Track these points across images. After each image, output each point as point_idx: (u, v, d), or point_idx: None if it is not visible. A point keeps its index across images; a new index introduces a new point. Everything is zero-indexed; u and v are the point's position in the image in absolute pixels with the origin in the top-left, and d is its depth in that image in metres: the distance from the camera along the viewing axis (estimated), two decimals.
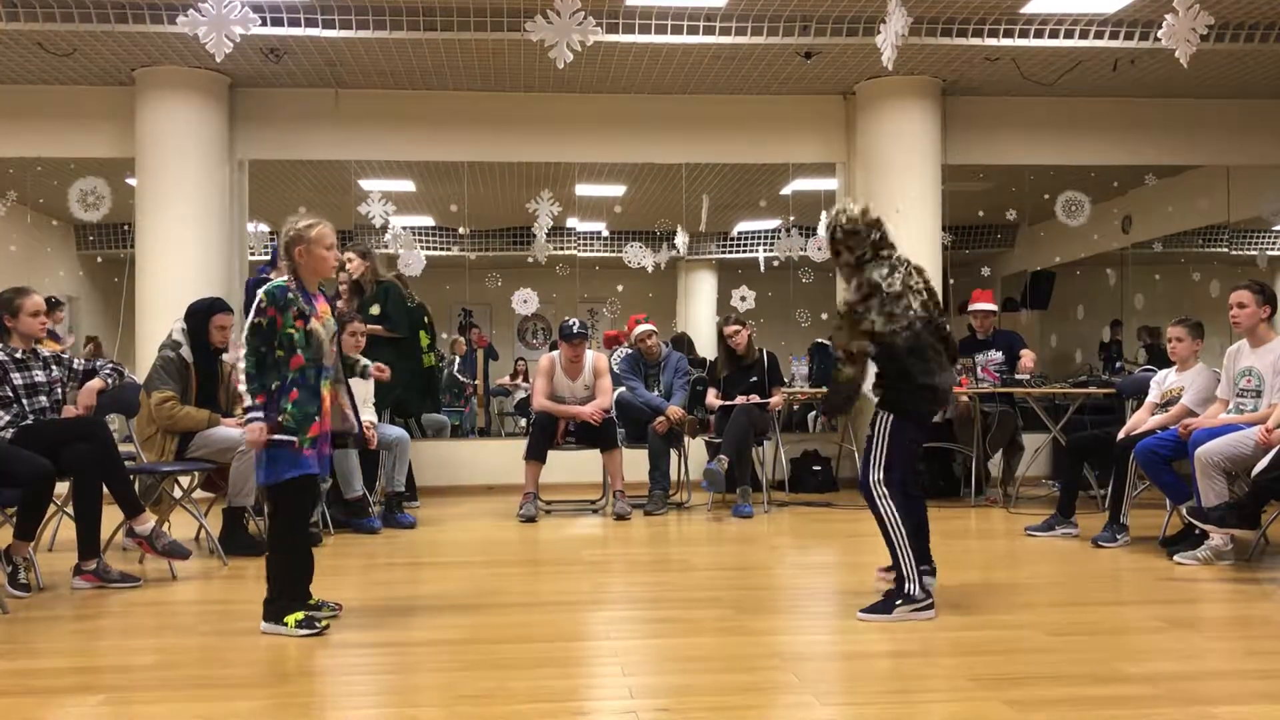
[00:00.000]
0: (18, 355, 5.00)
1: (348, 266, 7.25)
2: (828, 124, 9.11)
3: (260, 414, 3.87)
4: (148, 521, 4.90)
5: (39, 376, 5.04)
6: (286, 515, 4.01)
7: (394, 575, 5.26)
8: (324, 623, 3.90)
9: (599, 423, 7.19)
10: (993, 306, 8.04)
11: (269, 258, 7.30)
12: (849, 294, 4.18)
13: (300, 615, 3.88)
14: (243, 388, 3.89)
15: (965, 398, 7.79)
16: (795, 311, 9.57)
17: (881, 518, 4.17)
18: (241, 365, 3.89)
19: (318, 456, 4.00)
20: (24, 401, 4.91)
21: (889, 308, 4.06)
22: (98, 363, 5.36)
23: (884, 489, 4.16)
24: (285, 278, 4.00)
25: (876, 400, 4.27)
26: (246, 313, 4.27)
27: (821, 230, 4.35)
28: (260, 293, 3.93)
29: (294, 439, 3.89)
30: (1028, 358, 7.65)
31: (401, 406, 7.53)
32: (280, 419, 3.88)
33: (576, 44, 6.13)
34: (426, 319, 7.68)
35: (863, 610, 4.11)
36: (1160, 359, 8.22)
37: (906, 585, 4.10)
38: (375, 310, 7.19)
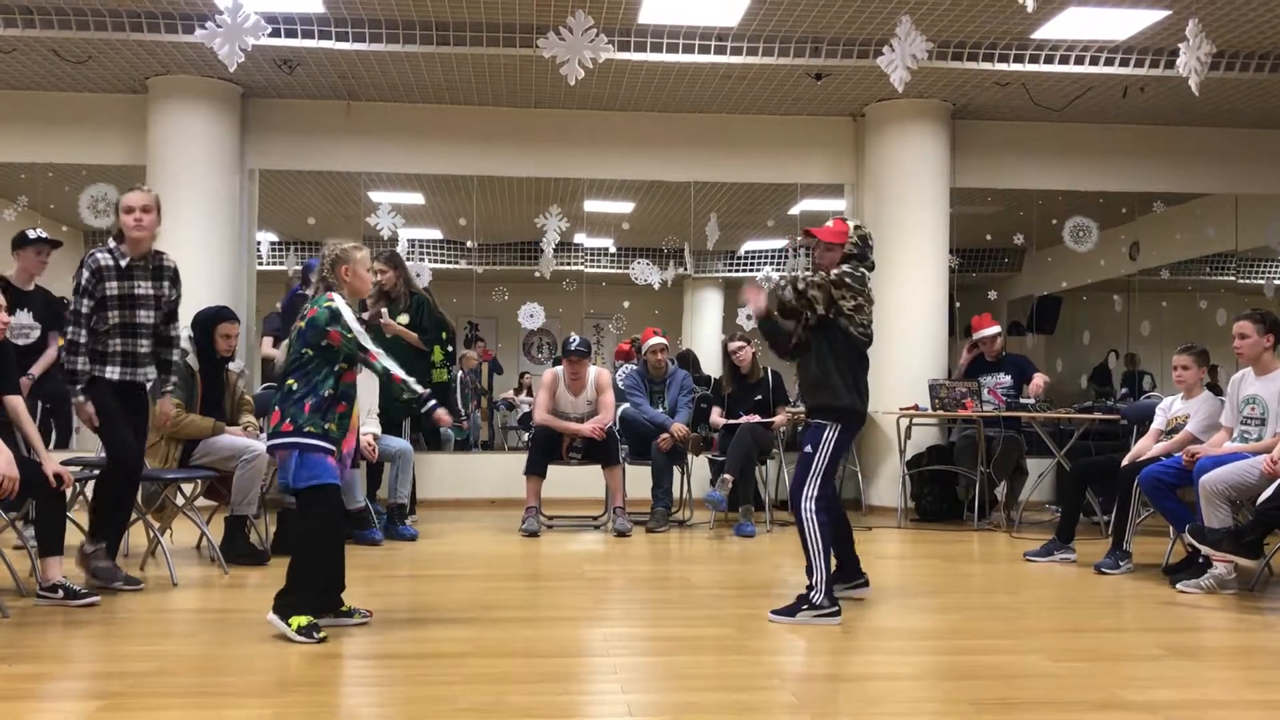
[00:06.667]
0: (123, 264, 4.78)
1: (380, 277, 7.29)
2: (837, 145, 9.14)
3: (435, 400, 4.15)
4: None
5: (141, 289, 4.81)
6: (321, 518, 4.10)
7: (395, 587, 5.26)
8: (323, 634, 3.90)
9: (601, 438, 7.18)
10: (998, 329, 8.02)
11: (300, 277, 7.37)
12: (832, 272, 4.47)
13: (304, 620, 3.90)
14: (411, 380, 4.11)
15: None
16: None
17: (805, 534, 4.42)
18: (393, 367, 4.08)
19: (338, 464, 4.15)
20: (116, 312, 4.72)
21: (863, 304, 4.45)
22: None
23: (813, 505, 4.41)
24: (335, 296, 4.09)
25: (816, 411, 4.49)
26: (284, 328, 4.33)
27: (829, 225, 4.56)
28: (338, 308, 4.03)
29: (333, 449, 4.03)
30: (1039, 379, 7.63)
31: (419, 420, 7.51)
32: (327, 427, 4.01)
33: (588, 61, 6.16)
34: (445, 334, 7.69)
35: (773, 611, 4.39)
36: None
37: (813, 594, 4.37)
38: (404, 320, 7.20)
